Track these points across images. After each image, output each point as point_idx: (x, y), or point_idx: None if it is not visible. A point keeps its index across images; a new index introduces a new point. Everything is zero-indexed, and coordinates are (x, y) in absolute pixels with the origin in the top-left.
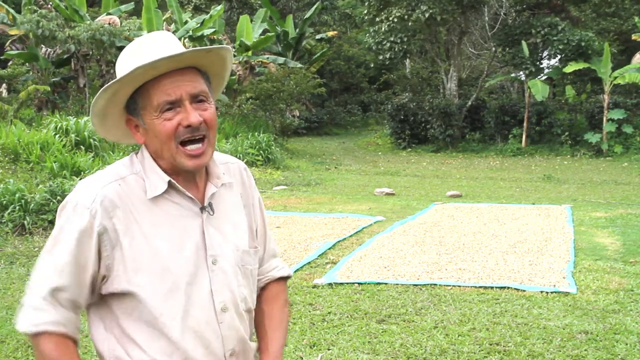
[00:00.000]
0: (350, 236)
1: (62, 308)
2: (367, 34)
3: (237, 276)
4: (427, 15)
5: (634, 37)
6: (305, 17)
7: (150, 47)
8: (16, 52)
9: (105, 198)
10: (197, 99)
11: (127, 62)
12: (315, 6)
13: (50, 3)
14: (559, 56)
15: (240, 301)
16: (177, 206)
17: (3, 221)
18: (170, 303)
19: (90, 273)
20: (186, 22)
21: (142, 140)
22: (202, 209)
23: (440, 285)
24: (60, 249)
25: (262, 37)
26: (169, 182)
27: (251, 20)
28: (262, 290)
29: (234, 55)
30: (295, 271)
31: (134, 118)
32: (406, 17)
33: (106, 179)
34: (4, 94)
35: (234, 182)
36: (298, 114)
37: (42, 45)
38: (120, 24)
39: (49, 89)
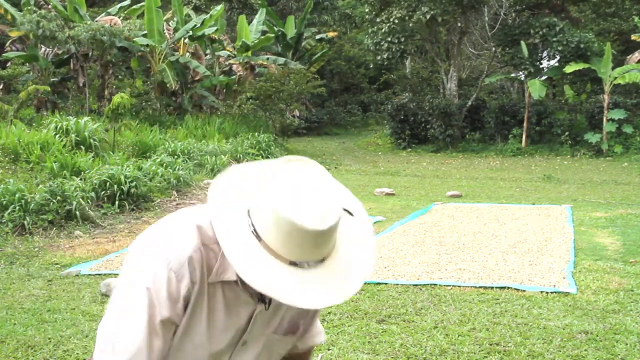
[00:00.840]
0: None
1: None
2: (366, 35)
3: (259, 356)
4: (428, 16)
5: (633, 37)
6: (301, 16)
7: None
8: (16, 52)
9: (192, 263)
10: None
11: (286, 246)
12: (307, 4)
13: (51, 3)
14: (558, 57)
15: None
16: (236, 293)
17: (3, 221)
18: None
19: (169, 337)
20: (187, 15)
21: None
22: (259, 300)
23: (440, 285)
24: (143, 312)
25: (262, 37)
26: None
27: (250, 21)
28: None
29: (234, 56)
30: None
31: None
32: (407, 18)
33: (194, 242)
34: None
35: None
36: (298, 114)
37: (42, 46)
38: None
39: (49, 89)
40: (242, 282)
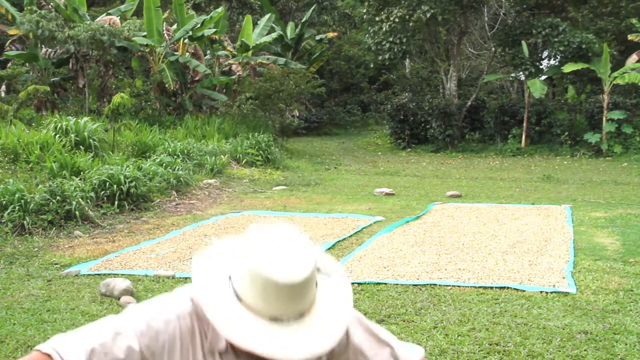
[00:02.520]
0: (350, 236)
1: None
2: (367, 34)
3: None
4: (428, 15)
5: (630, 37)
6: (303, 20)
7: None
8: (16, 52)
9: (171, 333)
10: None
11: (266, 306)
12: (312, 8)
13: (51, 3)
14: (559, 57)
15: None
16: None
17: (3, 221)
18: None
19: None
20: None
21: None
22: None
23: (439, 285)
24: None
25: (266, 39)
26: (227, 344)
27: (255, 23)
28: None
29: (234, 56)
30: None
31: None
32: (407, 17)
33: (183, 309)
34: (2, 94)
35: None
36: (298, 114)
37: (42, 46)
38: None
39: (49, 89)
40: (234, 350)
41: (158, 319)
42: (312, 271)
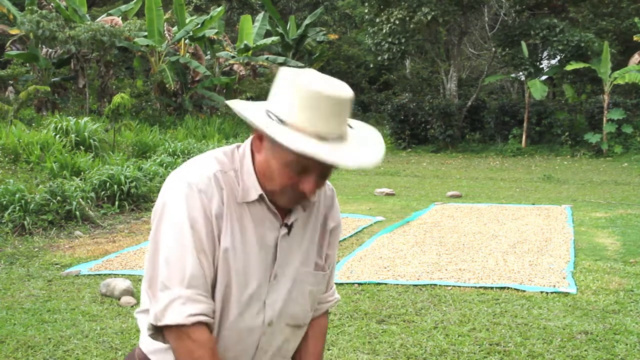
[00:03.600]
0: (350, 236)
1: (208, 297)
2: (367, 35)
3: (291, 293)
4: (429, 17)
5: (635, 38)
6: (306, 22)
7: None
8: (16, 52)
9: (218, 183)
10: (324, 176)
11: (318, 120)
12: (319, 10)
13: (52, 3)
14: (559, 57)
15: (289, 317)
16: (261, 214)
17: (3, 221)
18: (232, 301)
19: (214, 256)
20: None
21: (259, 152)
22: (283, 225)
23: (440, 285)
24: (185, 233)
25: (268, 41)
26: (260, 195)
27: (253, 21)
28: (311, 321)
29: (234, 56)
30: None
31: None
32: (407, 18)
33: (214, 166)
34: (11, 97)
35: (321, 203)
36: None
37: (43, 46)
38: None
39: (49, 89)
40: (265, 200)
41: (202, 184)
42: (352, 96)
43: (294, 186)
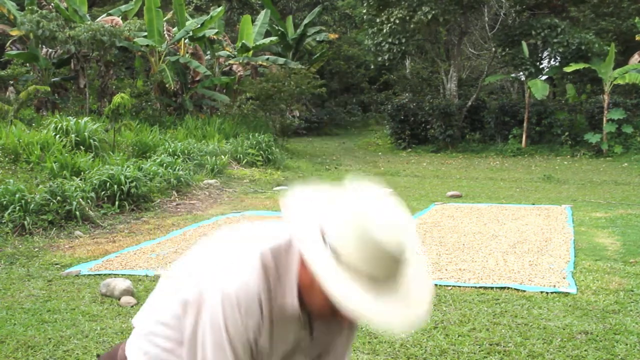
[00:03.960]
0: None
1: None
2: (367, 35)
3: None
4: (429, 17)
5: (637, 37)
6: (305, 21)
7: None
8: (16, 52)
9: (260, 305)
10: None
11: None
12: (317, 9)
13: (52, 3)
14: (559, 58)
15: None
16: (289, 319)
17: (3, 221)
18: None
19: None
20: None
21: (306, 267)
22: (306, 330)
23: (440, 285)
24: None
25: (267, 41)
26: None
27: (253, 22)
28: None
29: (234, 56)
30: None
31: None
32: (407, 18)
33: (260, 281)
34: (11, 97)
35: None
36: (298, 114)
37: (43, 46)
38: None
39: (49, 89)
40: (300, 319)
41: (245, 303)
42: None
43: (333, 313)
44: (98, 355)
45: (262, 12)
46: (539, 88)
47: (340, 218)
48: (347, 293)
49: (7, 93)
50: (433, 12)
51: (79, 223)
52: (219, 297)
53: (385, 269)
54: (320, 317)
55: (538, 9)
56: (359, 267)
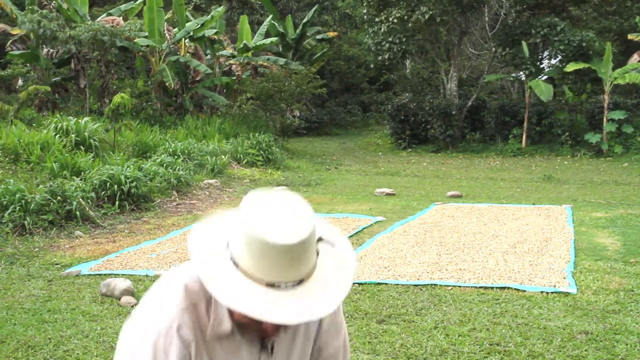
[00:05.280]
0: (351, 236)
1: None
2: (367, 35)
3: None
4: (427, 16)
5: (629, 37)
6: (304, 20)
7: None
8: (17, 52)
9: (180, 330)
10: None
11: (262, 270)
12: (314, 8)
13: (53, 3)
14: (560, 57)
15: None
16: (237, 345)
17: (3, 221)
18: None
19: None
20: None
21: None
22: (262, 348)
23: (440, 285)
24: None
25: (267, 41)
26: (232, 329)
27: (257, 23)
28: None
29: (234, 56)
30: None
31: None
32: (406, 17)
33: (182, 305)
34: (19, 90)
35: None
36: (298, 114)
37: (43, 46)
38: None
39: (50, 89)
40: (239, 330)
41: (164, 335)
42: (310, 235)
43: (258, 325)
44: None
45: (270, 17)
46: (543, 90)
47: (235, 231)
48: (233, 294)
49: (17, 85)
50: (431, 12)
51: (79, 223)
52: (139, 334)
53: (279, 271)
54: (243, 327)
55: (538, 8)
56: (254, 273)
